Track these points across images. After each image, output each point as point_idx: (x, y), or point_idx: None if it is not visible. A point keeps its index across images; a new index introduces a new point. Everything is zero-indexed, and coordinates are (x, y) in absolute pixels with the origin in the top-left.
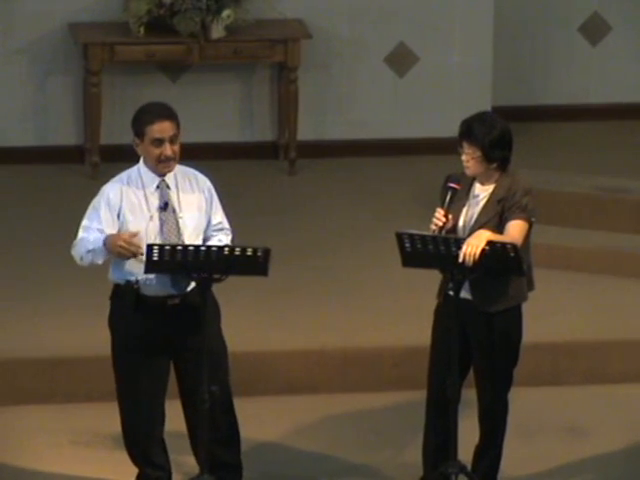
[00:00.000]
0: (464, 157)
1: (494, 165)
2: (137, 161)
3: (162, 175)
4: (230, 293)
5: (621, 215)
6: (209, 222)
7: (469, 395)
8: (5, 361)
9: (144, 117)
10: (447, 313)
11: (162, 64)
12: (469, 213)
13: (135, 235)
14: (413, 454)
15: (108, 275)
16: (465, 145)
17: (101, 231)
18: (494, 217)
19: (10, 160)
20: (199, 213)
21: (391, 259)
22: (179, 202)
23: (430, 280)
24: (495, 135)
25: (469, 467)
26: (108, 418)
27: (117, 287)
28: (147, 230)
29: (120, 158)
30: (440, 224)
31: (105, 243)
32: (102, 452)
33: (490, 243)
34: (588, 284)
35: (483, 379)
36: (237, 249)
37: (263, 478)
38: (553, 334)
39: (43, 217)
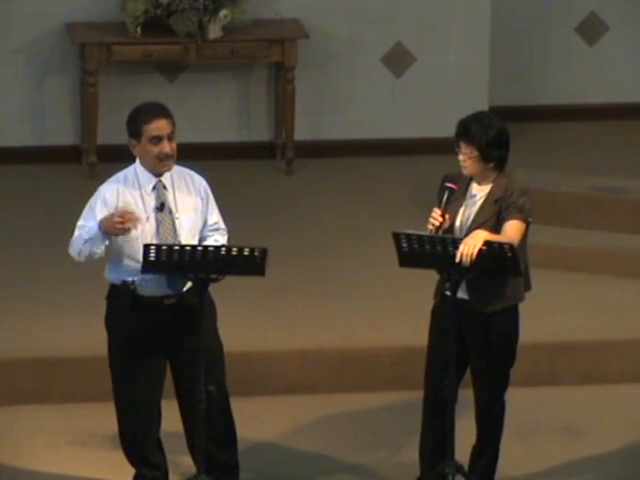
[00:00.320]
0: (461, 157)
1: (491, 165)
2: (134, 161)
3: (159, 175)
4: (227, 293)
5: (619, 215)
6: (205, 222)
7: (466, 395)
8: (3, 361)
9: (140, 116)
10: (444, 313)
11: (159, 64)
12: (466, 213)
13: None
14: (410, 454)
15: (104, 275)
16: (462, 145)
17: None
18: (491, 217)
19: (7, 160)
20: (195, 214)
21: (388, 259)
22: (175, 203)
23: (427, 280)
24: (492, 135)
25: (466, 467)
26: (106, 418)
27: (113, 287)
28: (143, 231)
29: (117, 158)
30: (437, 224)
31: (100, 227)
32: (100, 452)
33: (487, 243)
34: (586, 284)
35: (480, 379)
36: (234, 249)
37: (260, 478)
38: (551, 334)
39: (40, 217)
